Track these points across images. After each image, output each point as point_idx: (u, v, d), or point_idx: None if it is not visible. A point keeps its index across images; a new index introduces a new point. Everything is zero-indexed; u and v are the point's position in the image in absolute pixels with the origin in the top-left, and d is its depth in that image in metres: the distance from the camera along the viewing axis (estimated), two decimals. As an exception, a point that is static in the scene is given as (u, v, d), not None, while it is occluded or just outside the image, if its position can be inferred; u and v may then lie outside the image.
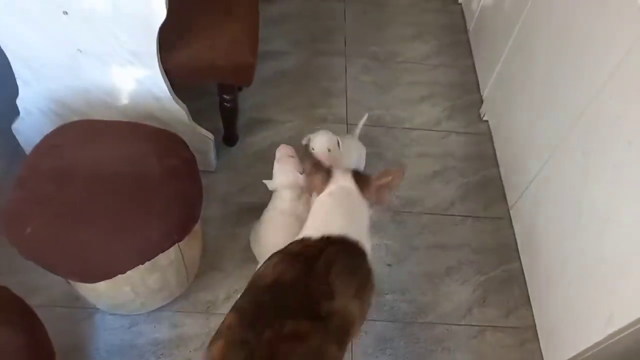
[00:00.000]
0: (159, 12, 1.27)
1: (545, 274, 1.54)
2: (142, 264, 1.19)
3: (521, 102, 1.70)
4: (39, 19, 1.30)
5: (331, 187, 1.20)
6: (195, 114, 1.72)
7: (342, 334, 1.03)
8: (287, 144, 2.02)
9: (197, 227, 1.40)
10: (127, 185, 1.21)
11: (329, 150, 1.49)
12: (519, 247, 1.73)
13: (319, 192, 1.21)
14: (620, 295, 1.20)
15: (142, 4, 1.25)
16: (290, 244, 1.13)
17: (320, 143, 1.51)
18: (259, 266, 1.15)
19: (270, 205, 1.53)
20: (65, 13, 1.27)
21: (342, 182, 1.20)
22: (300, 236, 1.15)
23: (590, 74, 1.35)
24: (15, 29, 1.33)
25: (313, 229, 1.14)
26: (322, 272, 1.03)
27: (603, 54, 1.30)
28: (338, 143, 1.53)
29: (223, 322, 1.01)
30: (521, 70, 1.75)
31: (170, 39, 1.44)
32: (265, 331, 0.93)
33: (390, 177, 1.20)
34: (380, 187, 1.20)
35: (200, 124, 1.73)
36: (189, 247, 1.38)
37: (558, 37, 1.53)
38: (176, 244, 1.26)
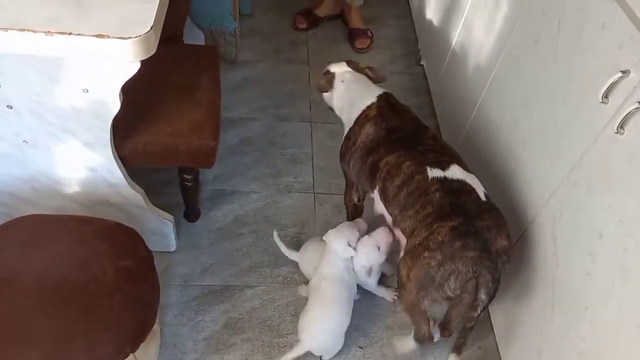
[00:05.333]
0: (113, 104, 1.20)
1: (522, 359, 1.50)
2: (91, 384, 1.07)
3: (485, 173, 1.69)
4: (-20, 112, 1.21)
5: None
6: (155, 187, 1.64)
7: None
8: (254, 216, 1.94)
9: (155, 326, 1.30)
10: (75, 294, 1.10)
11: (379, 248, 1.59)
12: (495, 330, 1.68)
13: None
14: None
15: (93, 97, 1.18)
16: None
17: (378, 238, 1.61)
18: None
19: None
20: (10, 107, 1.19)
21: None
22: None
23: (553, 161, 1.34)
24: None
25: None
26: None
27: (568, 144, 1.29)
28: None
29: None
30: (486, 143, 1.75)
31: (126, 125, 1.37)
32: None
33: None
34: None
35: (159, 198, 1.65)
36: (145, 352, 1.27)
37: (522, 115, 1.54)
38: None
